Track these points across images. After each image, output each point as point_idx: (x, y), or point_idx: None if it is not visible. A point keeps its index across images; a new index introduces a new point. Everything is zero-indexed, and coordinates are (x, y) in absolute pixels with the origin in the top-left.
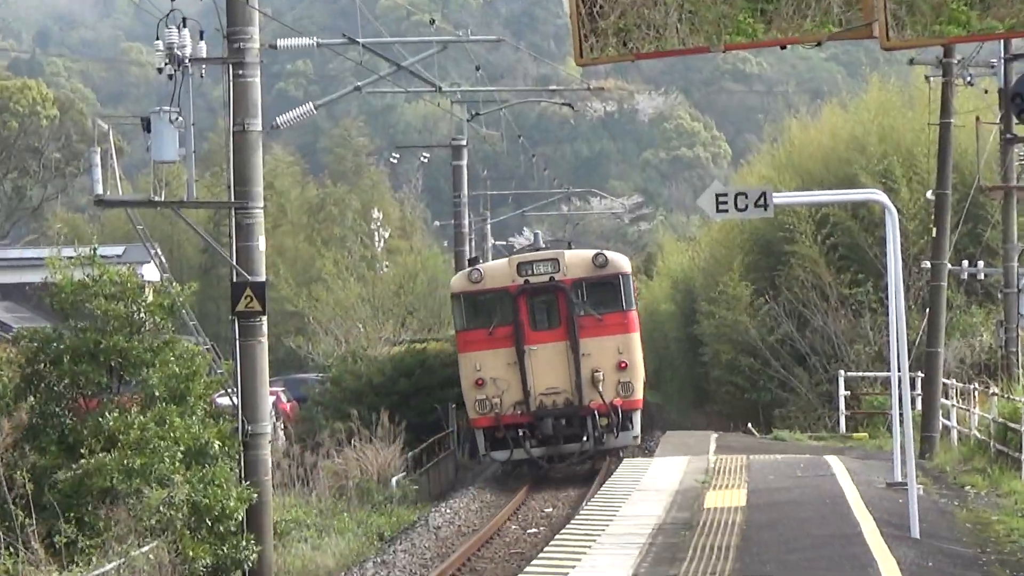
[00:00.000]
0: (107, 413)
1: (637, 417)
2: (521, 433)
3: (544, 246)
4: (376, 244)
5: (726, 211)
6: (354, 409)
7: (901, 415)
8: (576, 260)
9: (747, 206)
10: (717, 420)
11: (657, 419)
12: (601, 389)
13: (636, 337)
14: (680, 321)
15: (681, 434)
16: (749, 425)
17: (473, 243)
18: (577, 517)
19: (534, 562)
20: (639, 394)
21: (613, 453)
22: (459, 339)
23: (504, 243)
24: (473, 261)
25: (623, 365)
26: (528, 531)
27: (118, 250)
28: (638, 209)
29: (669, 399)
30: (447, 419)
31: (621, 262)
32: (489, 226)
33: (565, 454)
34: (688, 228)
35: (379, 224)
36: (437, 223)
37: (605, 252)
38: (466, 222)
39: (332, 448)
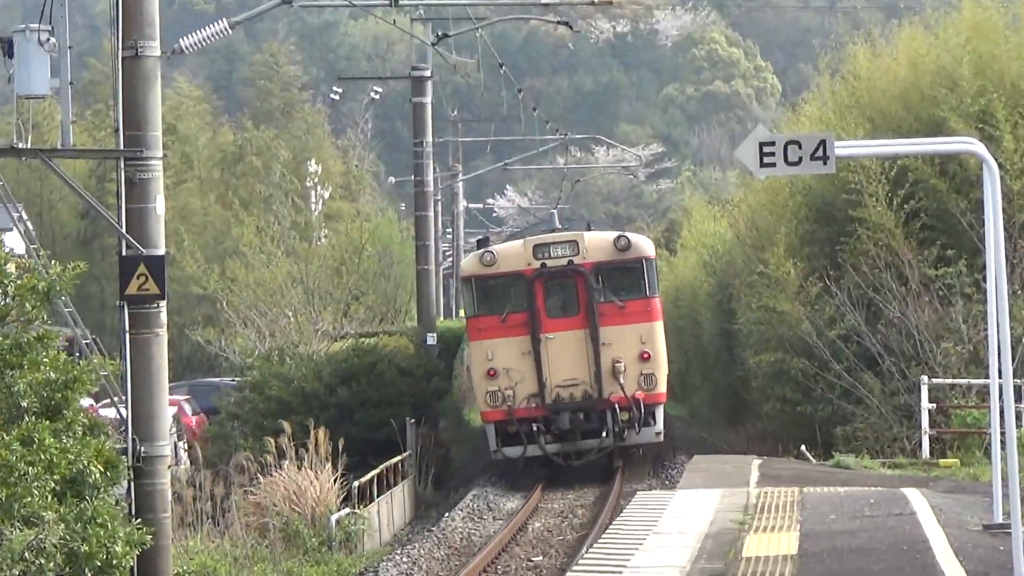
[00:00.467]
0: None
1: (660, 412)
2: (535, 428)
3: (561, 226)
4: (312, 207)
5: (773, 165)
6: (281, 424)
7: (1003, 435)
8: (596, 243)
9: (800, 159)
10: (760, 441)
11: (681, 439)
12: (622, 381)
13: (660, 326)
14: (713, 311)
15: (713, 459)
16: (803, 448)
17: (440, 205)
18: (572, 571)
19: None
20: (663, 387)
21: (633, 451)
22: (470, 326)
23: (481, 206)
24: (483, 242)
25: (646, 356)
26: None
27: None
28: (657, 162)
29: (697, 412)
30: (404, 438)
31: (645, 245)
32: (461, 185)
33: (583, 451)
34: (723, 187)
35: (316, 181)
36: (392, 179)
37: (627, 234)
38: (430, 178)
39: (252, 475)
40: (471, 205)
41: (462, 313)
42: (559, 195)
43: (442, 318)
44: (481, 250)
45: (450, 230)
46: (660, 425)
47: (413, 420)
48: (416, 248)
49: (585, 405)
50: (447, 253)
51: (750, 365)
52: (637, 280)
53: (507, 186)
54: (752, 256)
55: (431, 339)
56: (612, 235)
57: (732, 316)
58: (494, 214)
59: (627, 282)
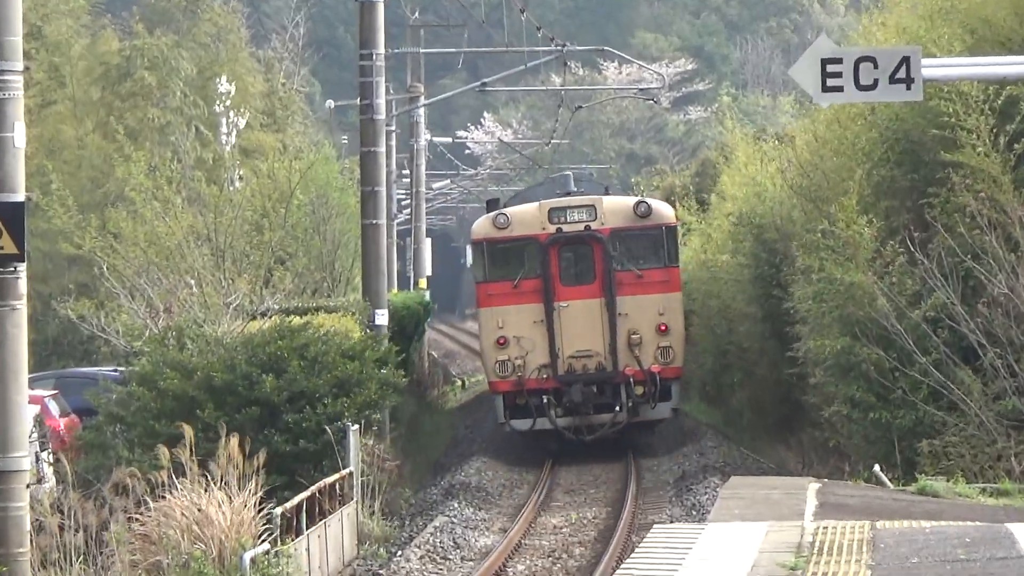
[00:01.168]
0: None
1: (676, 388)
2: (546, 400)
3: (576, 189)
4: (223, 140)
5: (839, 90)
6: (180, 429)
7: None
8: (615, 207)
9: (876, 82)
10: (819, 458)
11: (713, 454)
12: (638, 354)
13: (679, 297)
14: (756, 287)
15: (756, 482)
16: (876, 468)
17: (395, 139)
18: None
19: None
20: (680, 361)
21: (647, 427)
22: (480, 292)
23: (449, 141)
24: (493, 203)
25: (663, 328)
26: None
27: None
28: (686, 84)
29: (735, 420)
30: (345, 450)
31: (666, 212)
32: (423, 112)
33: (595, 425)
34: (773, 118)
35: (229, 105)
36: (331, 104)
37: (648, 200)
38: (382, 102)
39: (139, 498)
40: (437, 139)
41: (422, 284)
42: (554, 127)
43: (396, 290)
44: (494, 212)
45: (408, 173)
46: (676, 400)
47: (357, 425)
48: (362, 196)
49: (599, 377)
50: (404, 203)
51: (806, 356)
52: (657, 248)
53: (485, 114)
54: (812, 211)
55: (381, 317)
56: (632, 200)
57: (783, 293)
58: (467, 151)
59: (646, 250)
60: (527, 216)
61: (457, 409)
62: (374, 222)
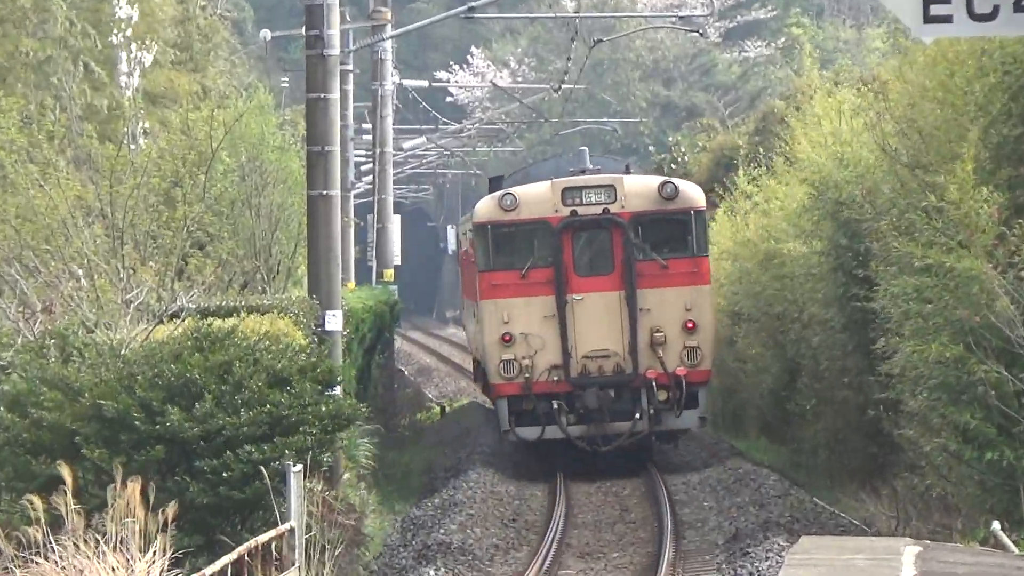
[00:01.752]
0: None
1: (704, 394)
2: (556, 406)
3: (592, 166)
4: (123, 83)
5: (947, 20)
6: (58, 470)
7: None
8: (637, 189)
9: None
10: (918, 512)
11: (776, 505)
12: (662, 354)
13: (708, 291)
14: (833, 284)
15: (835, 544)
16: (995, 526)
17: (355, 83)
18: None
19: None
20: (708, 363)
21: (671, 437)
22: (482, 281)
23: (426, 85)
24: (496, 181)
25: (691, 326)
26: None
27: None
28: (741, 10)
29: (805, 460)
30: (286, 500)
31: (694, 194)
32: (390, 47)
33: (611, 435)
34: (857, 57)
35: (128, 35)
36: (267, 36)
37: (675, 181)
38: (336, 32)
39: (4, 563)
40: (409, 83)
41: (388, 276)
42: (566, 67)
43: (353, 284)
44: (500, 192)
45: (370, 128)
46: (704, 408)
47: (300, 466)
48: (308, 159)
49: (617, 381)
50: (364, 168)
51: (902, 375)
52: (684, 235)
53: (473, 50)
54: (911, 181)
55: (333, 321)
56: (656, 180)
57: (870, 291)
58: (449, 100)
59: (672, 237)
60: (537, 197)
61: (436, 440)
62: (324, 193)
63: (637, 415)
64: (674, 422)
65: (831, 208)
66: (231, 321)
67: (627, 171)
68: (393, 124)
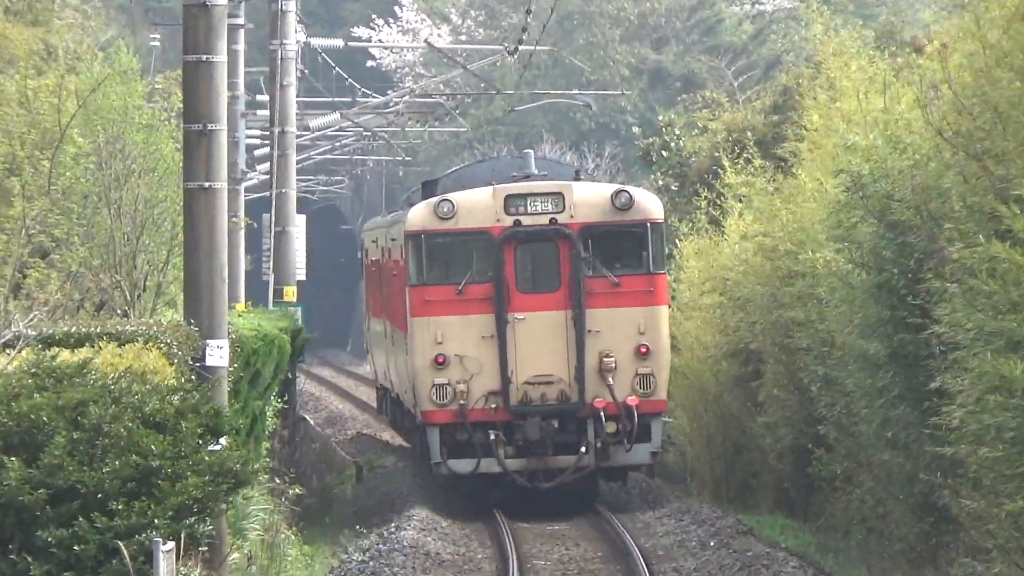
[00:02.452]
0: None
1: (658, 426)
2: (493, 437)
3: (538, 172)
4: None
5: None
6: None
7: None
8: (588, 197)
9: None
10: None
11: None
12: (612, 381)
13: (665, 312)
14: (875, 305)
15: None
16: None
17: (243, 40)
18: None
19: None
20: (663, 393)
21: (619, 474)
22: (414, 297)
23: (341, 45)
24: (431, 186)
25: (644, 351)
26: None
27: None
28: None
29: (836, 542)
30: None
31: (651, 205)
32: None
33: (554, 470)
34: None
35: None
36: None
37: (629, 189)
38: None
39: None
40: (318, 43)
41: (289, 295)
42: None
43: (245, 305)
44: (436, 198)
45: (267, 100)
46: (657, 442)
47: (171, 543)
48: (186, 140)
49: (561, 410)
50: (259, 152)
51: (964, 426)
52: (639, 250)
53: (395, 7)
54: (978, 174)
55: (216, 353)
56: (609, 189)
57: (922, 318)
58: (372, 64)
59: (626, 251)
60: (478, 204)
61: (352, 511)
62: (206, 186)
63: (583, 448)
64: (624, 457)
65: (876, 206)
66: (83, 353)
67: (577, 177)
68: (298, 96)
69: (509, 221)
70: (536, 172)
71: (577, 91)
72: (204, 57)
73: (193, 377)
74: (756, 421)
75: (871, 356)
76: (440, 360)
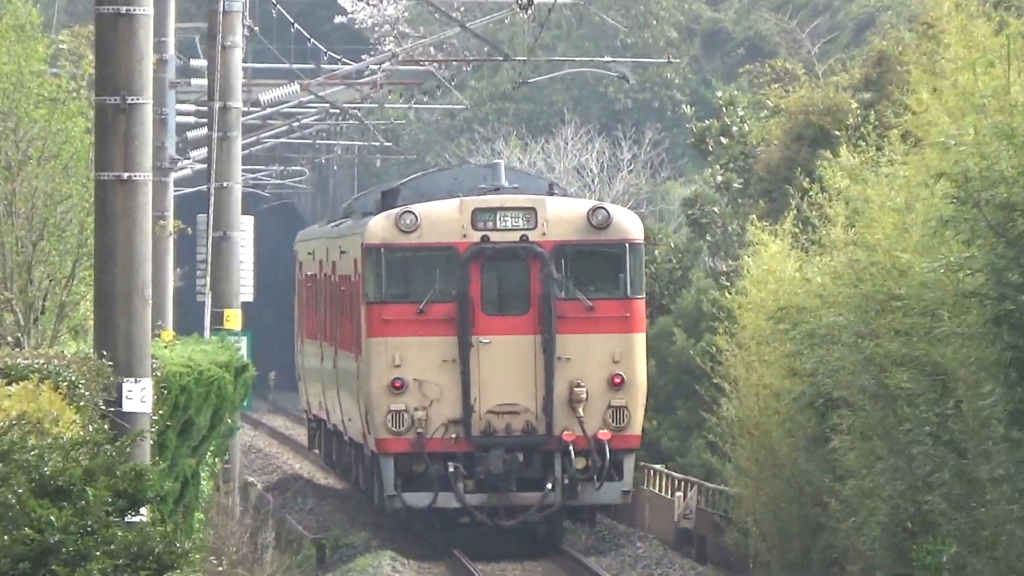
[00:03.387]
0: None
1: (630, 463)
2: (453, 469)
3: (508, 184)
4: None
5: None
6: None
7: None
8: (563, 214)
9: None
10: None
11: None
12: (582, 413)
13: (642, 340)
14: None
15: None
16: None
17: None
18: None
19: None
20: (637, 428)
21: (587, 515)
22: (371, 315)
23: None
24: (390, 196)
25: (618, 381)
26: None
27: None
28: None
29: None
30: None
31: (630, 224)
32: None
33: (517, 507)
34: None
35: None
36: None
37: (607, 206)
38: None
39: None
40: None
41: (231, 321)
42: None
43: (171, 333)
44: (398, 209)
45: (204, 67)
46: (629, 481)
47: None
48: (98, 118)
49: (527, 443)
50: (195, 133)
51: None
52: (616, 272)
53: None
54: None
55: (136, 395)
56: (586, 205)
57: None
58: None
59: (602, 274)
60: (443, 217)
61: None
62: (124, 177)
63: (549, 485)
64: (593, 495)
65: (993, 218)
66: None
67: (551, 192)
68: (245, 62)
69: (477, 236)
70: (507, 184)
71: (610, 58)
72: (124, 9)
73: (106, 427)
74: (840, 492)
75: (989, 405)
76: (397, 385)
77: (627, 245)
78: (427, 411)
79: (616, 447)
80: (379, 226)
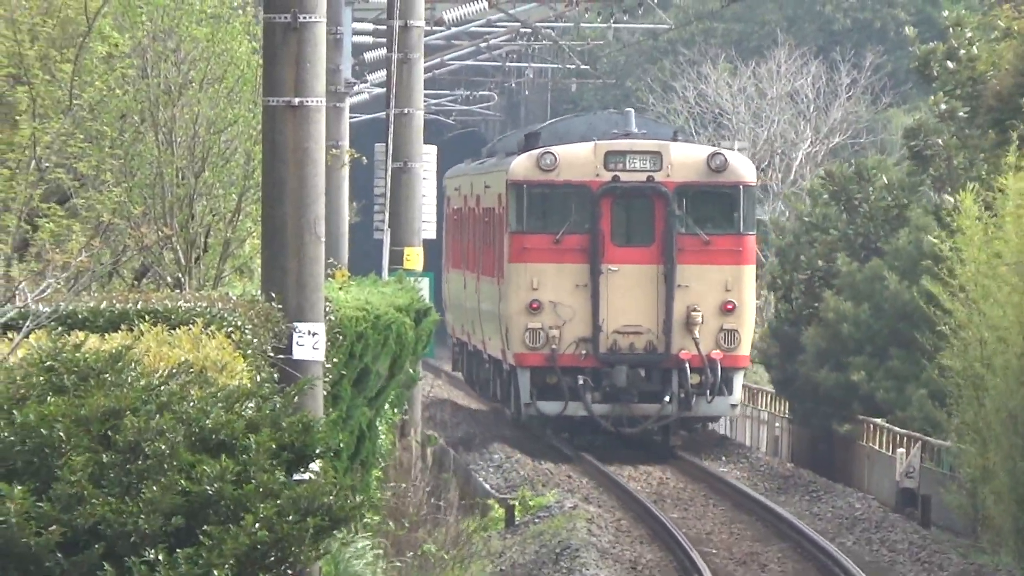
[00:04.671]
0: None
1: (739, 380)
2: (582, 382)
3: (638, 131)
4: None
5: None
6: None
7: None
8: (685, 158)
9: None
10: None
11: None
12: (697, 335)
13: (752, 272)
14: None
15: None
16: None
17: None
18: None
19: None
20: (746, 349)
21: (700, 424)
22: (512, 243)
23: None
24: (533, 137)
25: (730, 307)
26: None
27: None
28: None
29: None
30: None
31: (745, 168)
32: None
33: (638, 416)
34: None
35: None
36: None
37: (725, 152)
38: None
39: None
40: None
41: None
42: None
43: (346, 273)
44: (539, 150)
45: None
46: (738, 396)
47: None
48: (266, 37)
49: (648, 359)
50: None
51: None
52: (731, 211)
53: None
54: None
55: (307, 343)
56: (705, 151)
57: None
58: None
59: (718, 212)
60: (579, 158)
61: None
62: (296, 103)
63: (667, 398)
64: (705, 408)
65: None
66: (117, 338)
67: (675, 138)
68: None
69: (608, 176)
70: (636, 130)
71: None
72: None
73: (275, 376)
74: None
75: None
76: (535, 305)
77: (741, 187)
78: (560, 330)
79: (727, 365)
80: (522, 164)
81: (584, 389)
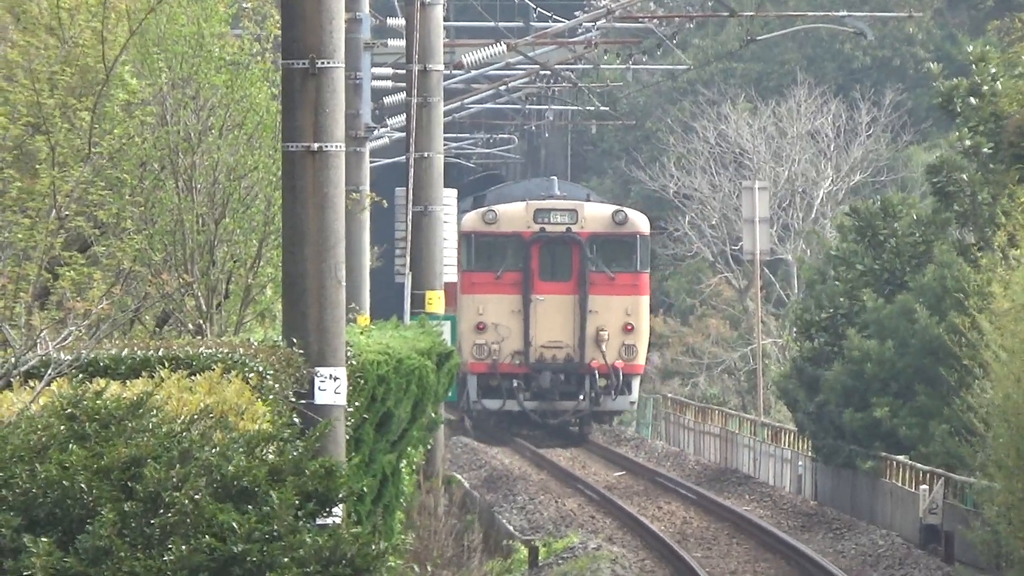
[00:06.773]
0: None
1: (636, 383)
2: (516, 384)
3: (559, 193)
4: None
5: None
6: None
7: None
8: (595, 213)
9: None
10: None
11: None
12: (604, 349)
13: (646, 301)
14: None
15: None
16: None
17: None
18: None
19: None
20: (642, 359)
21: (607, 416)
22: (463, 280)
23: None
24: (480, 198)
25: (629, 327)
26: None
27: None
28: None
29: None
30: None
31: (640, 222)
32: None
33: (559, 411)
34: None
35: None
36: None
37: (625, 209)
38: None
39: None
40: None
41: (433, 304)
42: None
43: (367, 318)
44: (484, 208)
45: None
46: (635, 395)
47: None
48: (285, 83)
49: (567, 367)
50: (391, 99)
51: None
52: (630, 254)
53: None
54: None
55: (329, 387)
56: (611, 208)
57: None
58: None
59: (620, 255)
60: (514, 214)
61: None
62: (315, 148)
63: (581, 396)
64: (611, 404)
65: None
66: (139, 385)
67: (588, 199)
68: (447, 20)
69: (537, 228)
70: (558, 192)
71: (846, 12)
72: None
73: (296, 421)
74: None
75: None
76: (481, 326)
77: (638, 236)
78: (500, 344)
79: (627, 372)
80: (471, 219)
81: (518, 390)
